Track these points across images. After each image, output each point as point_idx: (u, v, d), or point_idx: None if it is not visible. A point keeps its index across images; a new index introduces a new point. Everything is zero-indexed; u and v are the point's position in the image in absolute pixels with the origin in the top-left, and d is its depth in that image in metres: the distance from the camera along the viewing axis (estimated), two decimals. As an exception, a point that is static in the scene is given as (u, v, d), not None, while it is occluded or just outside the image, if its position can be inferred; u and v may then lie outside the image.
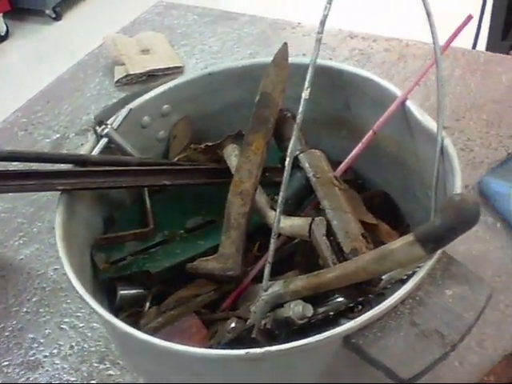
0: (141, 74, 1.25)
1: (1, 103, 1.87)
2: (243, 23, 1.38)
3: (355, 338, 0.50)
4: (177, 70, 1.26)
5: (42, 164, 0.69)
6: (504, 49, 1.80)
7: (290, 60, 0.75)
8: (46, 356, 0.81)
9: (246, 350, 0.50)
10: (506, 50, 1.82)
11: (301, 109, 0.60)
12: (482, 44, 1.88)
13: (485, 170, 0.96)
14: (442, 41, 0.71)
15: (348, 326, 0.50)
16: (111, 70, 1.28)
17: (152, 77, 1.25)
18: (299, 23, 1.35)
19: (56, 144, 1.14)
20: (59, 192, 0.67)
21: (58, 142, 1.14)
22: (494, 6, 1.83)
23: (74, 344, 0.82)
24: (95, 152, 0.72)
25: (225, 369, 0.55)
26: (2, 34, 3.25)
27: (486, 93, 1.10)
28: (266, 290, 0.63)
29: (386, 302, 0.51)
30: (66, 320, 0.85)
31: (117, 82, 1.25)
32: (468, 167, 0.96)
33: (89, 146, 0.73)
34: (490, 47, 1.85)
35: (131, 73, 1.24)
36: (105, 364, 0.80)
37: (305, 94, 0.60)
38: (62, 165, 0.70)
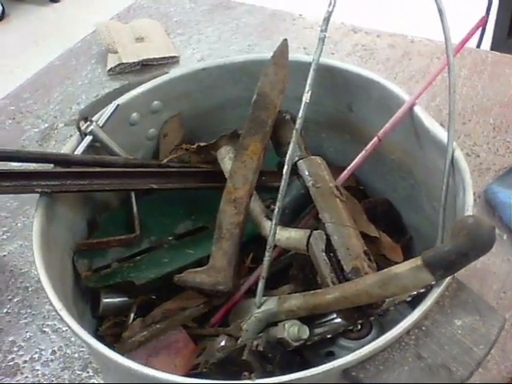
0: (134, 63, 1.20)
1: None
2: (241, 13, 1.34)
3: (355, 370, 0.46)
4: (172, 60, 1.22)
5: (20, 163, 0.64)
6: (510, 47, 1.75)
7: (290, 57, 0.70)
8: (25, 361, 0.77)
9: (234, 382, 0.45)
10: (512, 49, 1.77)
11: (301, 113, 0.56)
12: (486, 41, 1.83)
13: (491, 177, 0.92)
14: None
15: (348, 358, 0.45)
16: (104, 58, 1.24)
17: (146, 66, 1.21)
18: (300, 15, 1.31)
19: (44, 135, 1.10)
20: (38, 194, 0.62)
21: (46, 132, 1.10)
22: (500, 2, 1.78)
23: (56, 349, 0.78)
24: (78, 151, 0.67)
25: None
26: (-1, 15, 3.19)
27: (494, 95, 1.06)
28: (259, 307, 0.59)
29: (390, 332, 0.46)
30: (49, 323, 0.81)
31: (109, 70, 1.20)
32: (474, 174, 0.92)
33: (71, 145, 0.68)
34: (495, 45, 1.80)
35: (124, 61, 1.20)
36: (88, 372, 0.76)
37: (305, 98, 0.56)
38: (41, 164, 0.65)
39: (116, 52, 1.22)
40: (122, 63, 1.20)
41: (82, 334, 0.51)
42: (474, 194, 0.89)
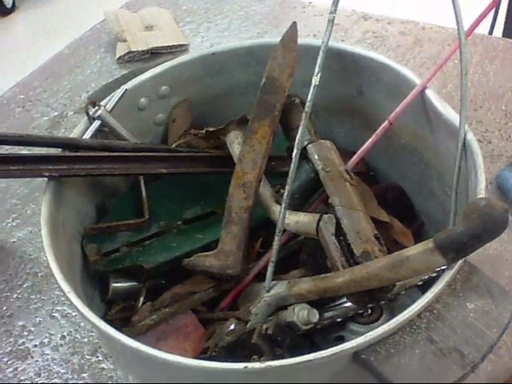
0: (143, 51, 1.20)
1: (6, 76, 1.83)
2: (251, 0, 1.33)
3: (366, 353, 0.45)
4: (181, 48, 1.22)
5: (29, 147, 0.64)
6: (522, 35, 1.73)
7: (300, 41, 0.69)
8: (35, 345, 0.78)
9: (245, 364, 0.45)
10: (524, 37, 1.75)
11: (310, 96, 0.55)
12: (498, 28, 1.81)
13: (504, 163, 0.91)
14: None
15: (358, 341, 0.45)
16: (113, 47, 1.24)
17: (155, 54, 1.21)
18: (310, 2, 1.30)
19: (54, 122, 1.10)
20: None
21: (55, 120, 1.11)
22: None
23: (65, 334, 0.79)
24: (87, 135, 0.67)
25: (220, 381, 0.50)
26: (9, 6, 3.20)
27: (506, 82, 1.05)
28: (268, 291, 0.59)
29: (402, 315, 0.46)
30: (58, 308, 0.81)
31: (118, 59, 1.20)
32: (486, 160, 0.91)
33: (80, 129, 0.68)
34: (507, 32, 1.78)
35: (133, 50, 1.20)
36: (97, 356, 0.76)
37: (315, 80, 0.55)
38: (50, 149, 0.65)
39: (125, 40, 1.22)
40: (131, 52, 1.19)
41: (90, 316, 0.51)
42: (486, 180, 0.88)
